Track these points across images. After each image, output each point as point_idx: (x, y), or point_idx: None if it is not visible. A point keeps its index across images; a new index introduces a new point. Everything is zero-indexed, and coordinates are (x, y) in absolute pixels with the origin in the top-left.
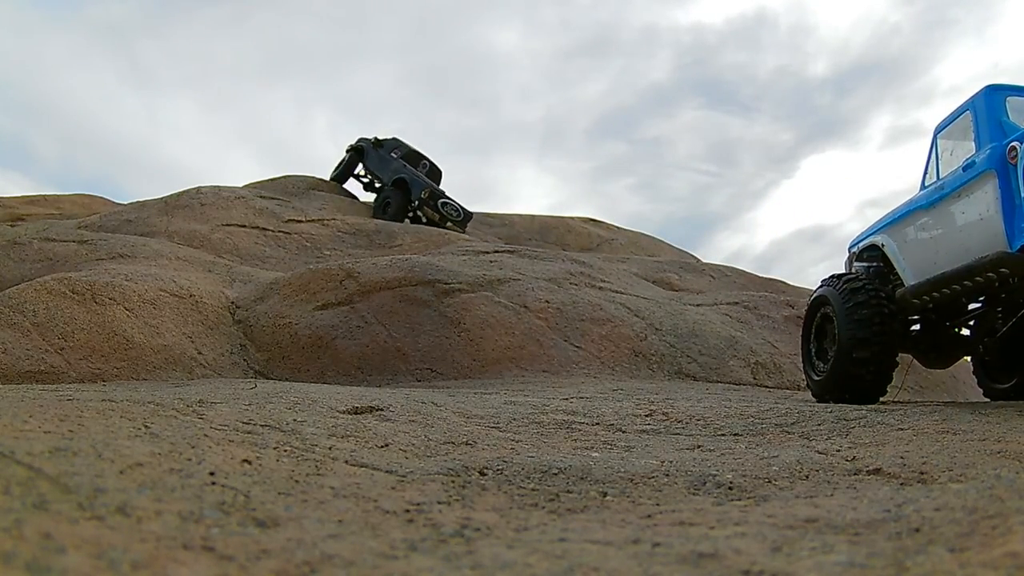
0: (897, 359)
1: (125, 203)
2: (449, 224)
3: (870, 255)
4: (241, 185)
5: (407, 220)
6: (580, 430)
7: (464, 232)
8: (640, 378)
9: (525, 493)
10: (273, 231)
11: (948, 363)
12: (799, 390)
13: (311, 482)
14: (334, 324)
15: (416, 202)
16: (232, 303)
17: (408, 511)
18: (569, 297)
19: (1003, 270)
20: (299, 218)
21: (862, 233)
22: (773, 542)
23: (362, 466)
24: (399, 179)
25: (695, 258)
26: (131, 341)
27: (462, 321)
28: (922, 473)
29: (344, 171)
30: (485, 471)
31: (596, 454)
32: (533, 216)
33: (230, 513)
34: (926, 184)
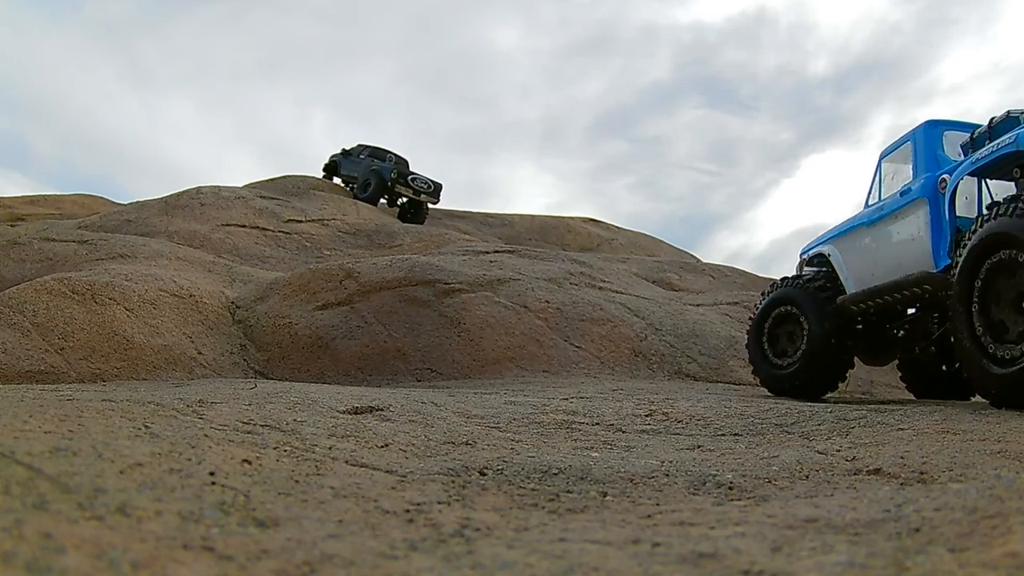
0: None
1: (125, 203)
2: (423, 196)
3: (819, 262)
4: (241, 185)
5: (384, 202)
6: (580, 430)
7: (437, 201)
8: (640, 378)
9: (525, 493)
10: (273, 231)
11: (885, 361)
12: None
13: (311, 482)
14: (334, 324)
15: (390, 183)
16: (232, 303)
17: (408, 511)
18: (569, 297)
19: (927, 287)
20: (299, 218)
21: (813, 242)
22: (773, 542)
23: (362, 466)
24: (373, 171)
25: (695, 258)
26: (131, 341)
27: (462, 321)
28: (922, 473)
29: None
30: (485, 471)
31: (596, 454)
32: (533, 216)
33: (230, 513)
34: (869, 203)
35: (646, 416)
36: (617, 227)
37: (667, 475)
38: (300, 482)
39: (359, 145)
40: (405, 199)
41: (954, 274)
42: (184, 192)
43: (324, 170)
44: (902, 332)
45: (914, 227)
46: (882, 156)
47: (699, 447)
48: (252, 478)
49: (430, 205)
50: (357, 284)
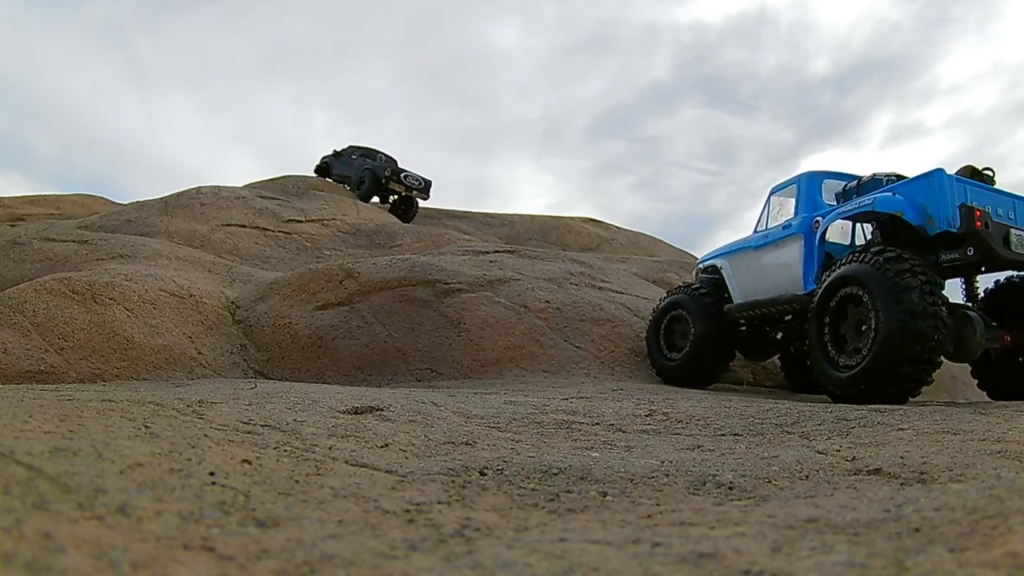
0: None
1: (125, 203)
2: (415, 193)
3: (712, 272)
4: (241, 185)
5: (378, 199)
6: (580, 430)
7: (427, 198)
8: (640, 378)
9: (525, 493)
10: (273, 231)
11: (764, 357)
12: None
13: (311, 482)
14: (334, 324)
15: (384, 180)
16: (232, 303)
17: (408, 511)
18: (569, 297)
19: (795, 305)
20: (299, 218)
21: (709, 254)
22: (773, 542)
23: (362, 466)
24: (367, 170)
25: (695, 258)
26: (131, 341)
27: (462, 321)
28: (922, 473)
29: None
30: (485, 471)
31: (596, 454)
32: (533, 216)
33: (230, 513)
34: (757, 230)
35: (646, 416)
36: (617, 227)
37: (667, 475)
38: (300, 482)
39: (349, 146)
40: (397, 196)
41: (816, 297)
42: (184, 192)
43: (316, 171)
44: (780, 334)
45: (791, 256)
46: (772, 192)
47: (699, 447)
48: (252, 478)
49: (420, 202)
50: (357, 284)
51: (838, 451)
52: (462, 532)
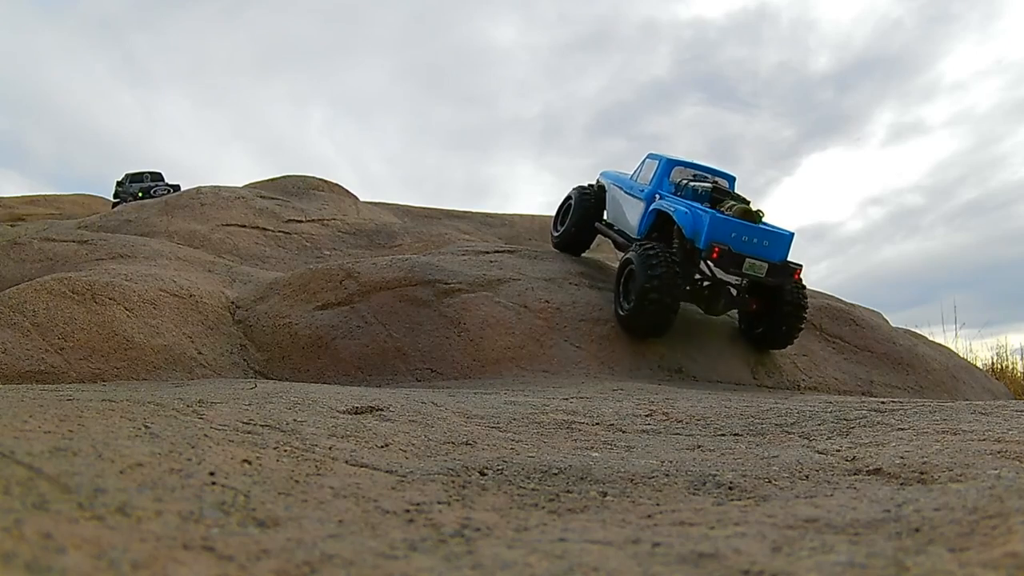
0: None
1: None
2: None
3: (601, 188)
4: (241, 185)
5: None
6: (580, 430)
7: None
8: (640, 378)
9: (525, 493)
10: (273, 231)
11: (721, 312)
12: (799, 390)
13: (311, 482)
14: (334, 324)
15: (141, 195)
16: (232, 303)
17: (408, 511)
18: (569, 297)
19: (626, 242)
20: (299, 218)
21: (609, 173)
22: (773, 542)
23: (362, 466)
24: (144, 188)
25: None
26: (131, 341)
27: (462, 321)
28: (922, 473)
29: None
30: (485, 471)
31: (596, 454)
32: (533, 216)
33: (230, 513)
34: (632, 176)
35: (646, 416)
36: None
37: (667, 475)
38: (300, 482)
39: (126, 175)
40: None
41: (628, 255)
42: (184, 192)
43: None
44: (735, 291)
45: (637, 209)
46: (648, 156)
47: (699, 447)
48: (252, 478)
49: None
50: (357, 284)
51: (838, 451)
52: (462, 532)
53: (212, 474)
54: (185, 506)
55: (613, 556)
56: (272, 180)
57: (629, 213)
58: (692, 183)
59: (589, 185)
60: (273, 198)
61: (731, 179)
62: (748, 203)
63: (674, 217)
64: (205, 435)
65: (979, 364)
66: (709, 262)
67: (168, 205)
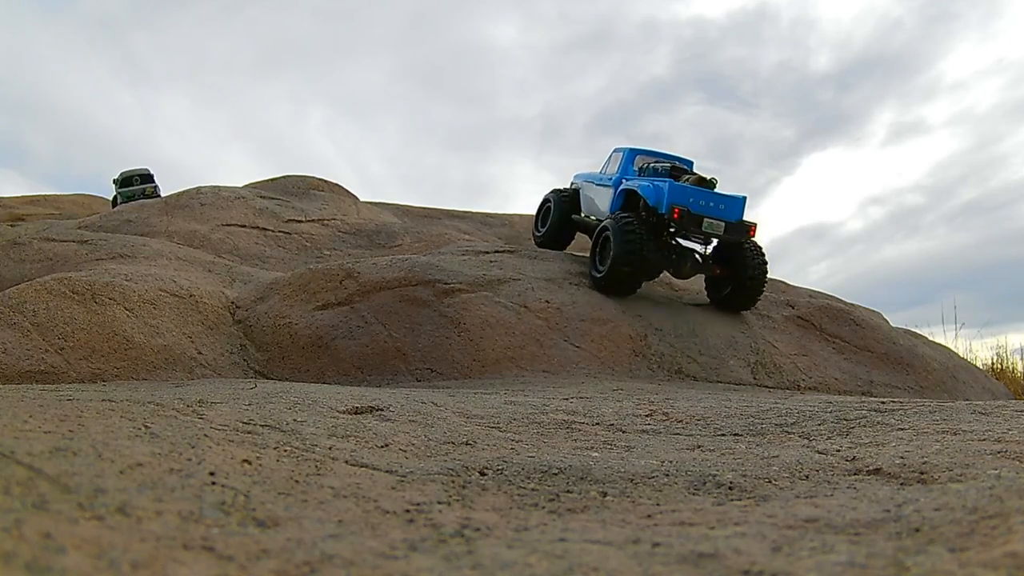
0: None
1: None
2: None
3: (576, 189)
4: (241, 185)
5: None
6: (580, 430)
7: (154, 187)
8: (640, 378)
9: (525, 493)
10: (273, 231)
11: (688, 276)
12: (799, 390)
13: (311, 482)
14: (334, 324)
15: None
16: (232, 303)
17: (408, 511)
18: (569, 297)
19: (605, 225)
20: (299, 218)
21: (581, 175)
22: (773, 542)
23: (362, 466)
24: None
25: None
26: (131, 341)
27: (462, 321)
28: (922, 473)
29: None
30: (485, 471)
31: (596, 454)
32: (533, 216)
33: (230, 513)
34: (600, 172)
35: (646, 416)
36: None
37: (667, 475)
38: (300, 482)
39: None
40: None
41: (604, 223)
42: (184, 192)
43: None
44: (700, 258)
45: (608, 196)
46: (615, 149)
47: (699, 447)
48: (252, 478)
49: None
50: (357, 284)
51: (838, 451)
52: (462, 532)
53: (212, 474)
54: (185, 506)
55: (613, 556)
56: (272, 180)
57: (601, 201)
58: (653, 165)
59: (564, 188)
60: (273, 198)
61: (688, 163)
62: (707, 178)
63: (639, 191)
64: (205, 435)
65: (979, 364)
66: (672, 225)
67: (168, 205)
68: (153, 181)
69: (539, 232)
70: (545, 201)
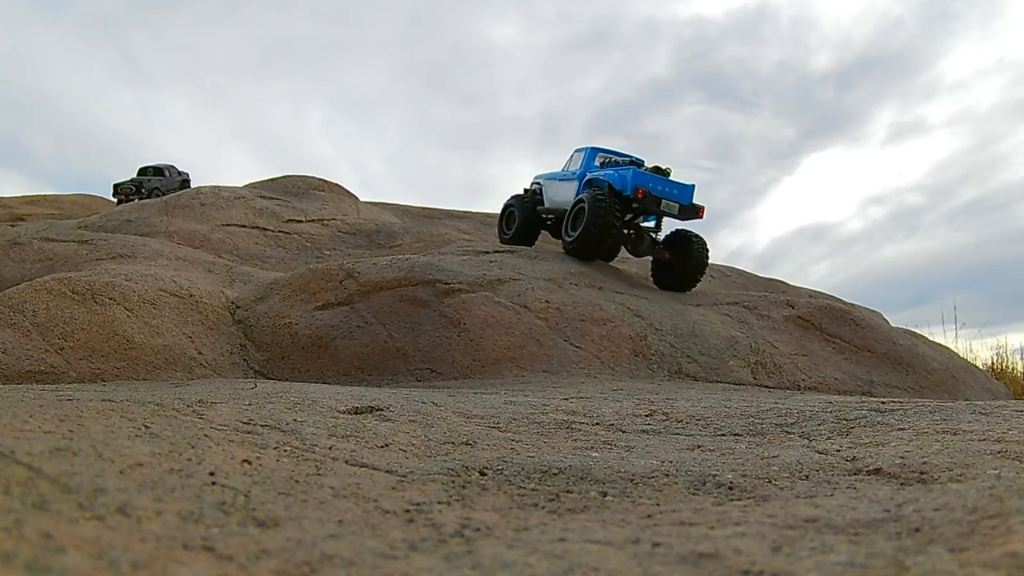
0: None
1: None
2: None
3: (536, 188)
4: (241, 185)
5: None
6: (580, 430)
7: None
8: (640, 378)
9: (525, 493)
10: (273, 231)
11: (643, 254)
12: (799, 390)
13: (311, 482)
14: (334, 324)
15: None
16: (232, 303)
17: (408, 511)
18: (569, 297)
19: (581, 198)
20: (299, 218)
21: (542, 175)
22: (773, 542)
23: (362, 466)
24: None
25: None
26: (131, 341)
27: (462, 321)
28: (922, 473)
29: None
30: (485, 471)
31: (596, 454)
32: None
33: (230, 513)
34: (563, 169)
35: (646, 416)
36: None
37: (667, 475)
38: (300, 482)
39: (141, 169)
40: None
41: (581, 196)
42: (184, 192)
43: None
44: (652, 239)
45: (572, 187)
46: (576, 149)
47: (699, 447)
48: (252, 478)
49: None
50: (357, 284)
51: (838, 451)
52: (462, 532)
53: (212, 474)
54: (185, 506)
55: (613, 556)
56: (272, 180)
57: (566, 192)
58: (613, 160)
59: (525, 190)
60: (273, 198)
61: (641, 161)
62: (662, 167)
63: (604, 178)
64: (205, 435)
65: (979, 364)
66: (636, 204)
67: (168, 205)
68: (164, 174)
69: (506, 233)
70: (507, 206)
